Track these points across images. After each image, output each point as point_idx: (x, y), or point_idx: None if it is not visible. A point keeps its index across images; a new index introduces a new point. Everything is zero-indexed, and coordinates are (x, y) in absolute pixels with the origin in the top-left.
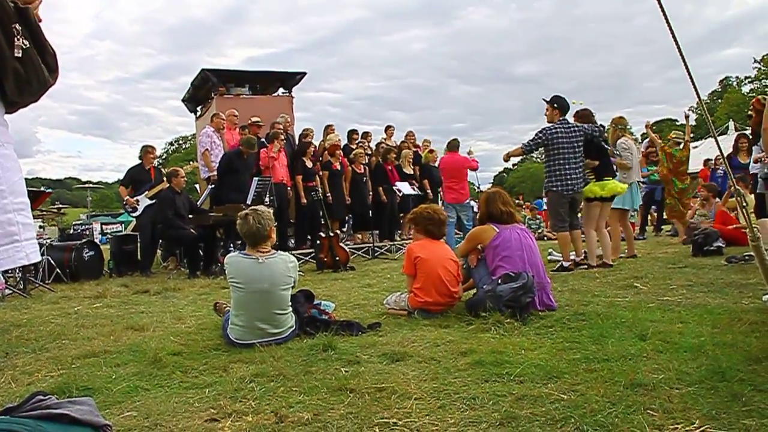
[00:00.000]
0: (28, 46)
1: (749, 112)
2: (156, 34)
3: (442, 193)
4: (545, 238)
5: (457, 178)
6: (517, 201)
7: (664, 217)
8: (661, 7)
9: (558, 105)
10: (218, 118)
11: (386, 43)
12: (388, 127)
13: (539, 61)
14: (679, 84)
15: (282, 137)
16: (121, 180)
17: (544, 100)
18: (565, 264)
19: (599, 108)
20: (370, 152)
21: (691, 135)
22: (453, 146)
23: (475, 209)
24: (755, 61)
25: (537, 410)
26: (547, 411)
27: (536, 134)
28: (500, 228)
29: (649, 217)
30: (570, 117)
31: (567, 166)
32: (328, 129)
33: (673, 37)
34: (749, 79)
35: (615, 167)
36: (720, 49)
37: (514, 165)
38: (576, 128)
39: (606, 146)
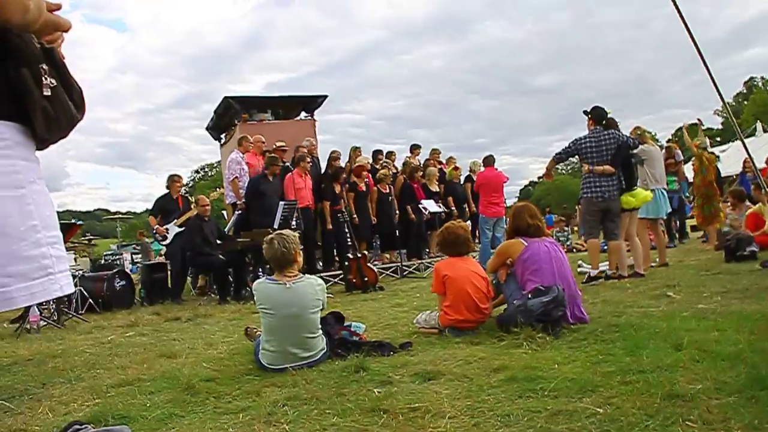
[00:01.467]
0: (55, 84)
1: None
2: (177, 65)
3: (468, 210)
4: (574, 250)
5: (497, 192)
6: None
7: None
8: (678, 10)
9: (592, 115)
10: (246, 141)
11: (404, 61)
12: (414, 147)
13: (558, 72)
14: (702, 87)
15: (308, 160)
16: (150, 210)
17: (584, 112)
18: (593, 273)
19: (622, 116)
20: (396, 171)
21: (717, 139)
22: (489, 161)
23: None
24: None
25: (573, 425)
26: (583, 426)
27: (568, 144)
28: (528, 241)
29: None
30: None
31: (594, 174)
32: (356, 151)
33: (693, 39)
34: None
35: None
36: (742, 50)
37: (539, 178)
38: (608, 135)
39: (633, 157)
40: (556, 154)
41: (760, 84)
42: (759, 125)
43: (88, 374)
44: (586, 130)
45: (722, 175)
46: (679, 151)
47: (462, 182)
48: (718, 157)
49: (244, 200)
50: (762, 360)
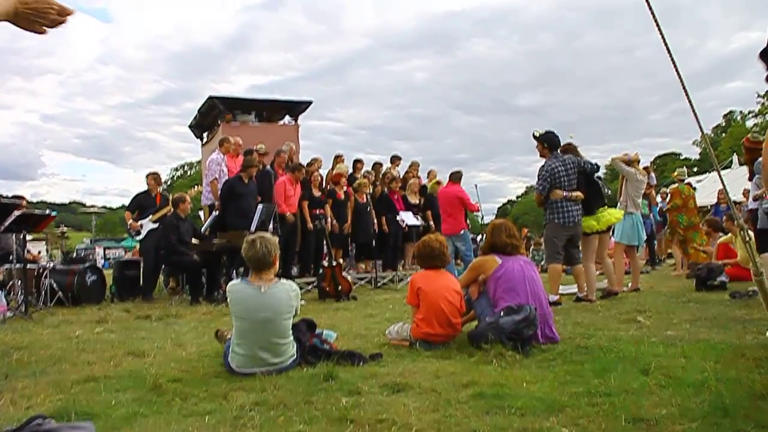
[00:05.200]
0: None
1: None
2: (161, 60)
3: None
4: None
5: (451, 209)
6: (528, 234)
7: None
8: (663, 40)
9: (548, 143)
10: (227, 143)
11: (389, 72)
12: (394, 158)
13: (542, 93)
14: (683, 117)
15: (303, 170)
16: (127, 205)
17: (534, 136)
18: (553, 298)
19: (602, 140)
20: (377, 182)
21: (694, 169)
22: (454, 177)
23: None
24: (758, 95)
25: None
26: None
27: (540, 174)
28: (503, 259)
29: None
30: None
31: (566, 199)
32: (338, 159)
33: (676, 69)
34: (753, 114)
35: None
36: (723, 83)
37: (517, 197)
38: (569, 161)
39: (599, 180)
40: (539, 189)
41: (738, 118)
42: (735, 158)
43: (53, 368)
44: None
45: (698, 205)
46: (653, 175)
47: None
48: (694, 188)
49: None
50: (726, 389)
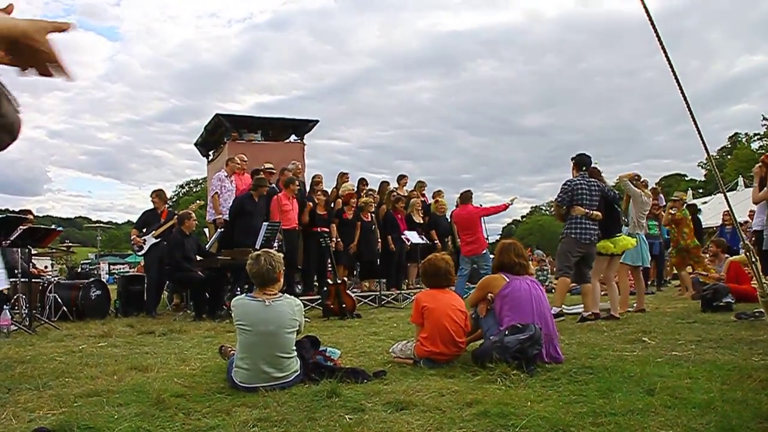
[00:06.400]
0: None
1: (757, 168)
2: (167, 78)
3: (450, 243)
4: (553, 290)
5: (471, 229)
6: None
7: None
8: (669, 63)
9: (576, 161)
10: (233, 162)
11: (394, 92)
12: (401, 177)
13: (547, 114)
14: (687, 139)
15: (297, 184)
16: (135, 223)
17: (572, 159)
18: (555, 310)
19: (607, 162)
20: (383, 201)
21: (699, 191)
22: (465, 198)
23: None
24: (764, 118)
25: None
26: None
27: (562, 188)
28: (510, 278)
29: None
30: None
31: (586, 217)
32: (343, 177)
33: (681, 90)
34: (758, 136)
35: (622, 222)
36: (728, 105)
37: (523, 217)
38: (594, 184)
39: (618, 207)
40: (558, 200)
41: (743, 140)
42: (741, 180)
43: (56, 382)
44: (570, 174)
45: (703, 227)
46: (662, 196)
47: (448, 216)
48: (700, 210)
49: (224, 217)
50: (732, 409)
